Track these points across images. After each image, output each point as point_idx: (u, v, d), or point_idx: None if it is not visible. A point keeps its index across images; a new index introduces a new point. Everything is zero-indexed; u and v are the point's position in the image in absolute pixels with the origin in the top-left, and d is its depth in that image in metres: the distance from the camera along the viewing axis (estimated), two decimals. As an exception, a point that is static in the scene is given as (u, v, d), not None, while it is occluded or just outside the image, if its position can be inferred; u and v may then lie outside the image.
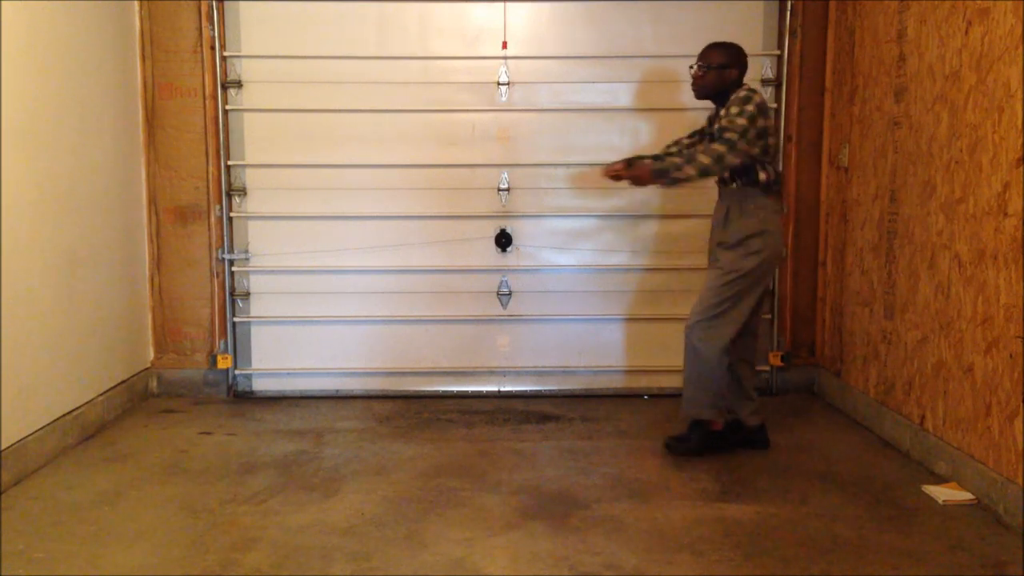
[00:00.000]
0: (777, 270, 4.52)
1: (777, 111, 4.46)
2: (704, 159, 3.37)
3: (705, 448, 3.59)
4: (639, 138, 4.47)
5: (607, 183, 3.69)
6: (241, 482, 3.30)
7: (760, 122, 3.41)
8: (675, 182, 3.47)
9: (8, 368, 3.20)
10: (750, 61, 4.42)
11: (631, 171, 3.52)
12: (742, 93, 3.45)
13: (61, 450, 3.58)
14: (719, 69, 3.53)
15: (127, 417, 4.13)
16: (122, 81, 4.19)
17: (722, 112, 3.47)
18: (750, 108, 3.39)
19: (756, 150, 3.42)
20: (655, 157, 3.59)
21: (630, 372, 4.60)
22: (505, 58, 4.42)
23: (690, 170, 3.38)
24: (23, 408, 3.32)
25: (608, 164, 3.64)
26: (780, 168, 3.52)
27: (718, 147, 3.37)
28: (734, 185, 3.53)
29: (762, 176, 3.48)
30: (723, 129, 3.40)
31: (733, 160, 3.38)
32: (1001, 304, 2.96)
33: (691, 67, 3.61)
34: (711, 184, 4.49)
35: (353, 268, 4.52)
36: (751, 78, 4.45)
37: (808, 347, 4.62)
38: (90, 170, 3.86)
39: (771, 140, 3.51)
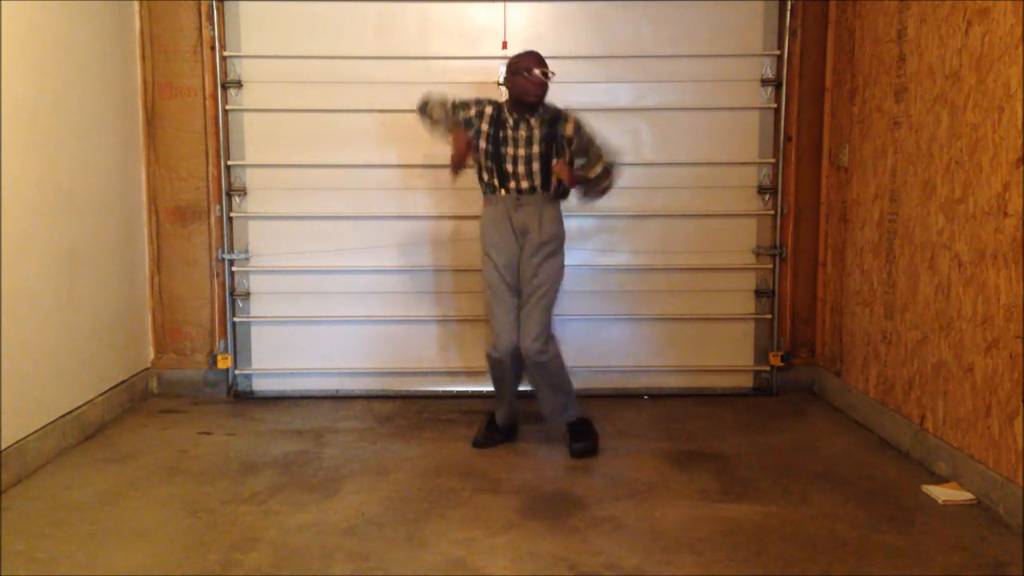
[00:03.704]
0: (777, 270, 4.55)
1: (777, 111, 4.47)
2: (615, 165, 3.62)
3: (590, 439, 3.64)
4: (639, 138, 4.47)
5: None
6: (241, 482, 3.30)
7: None
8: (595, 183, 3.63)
9: (8, 368, 3.20)
10: (751, 61, 4.47)
11: (560, 167, 3.50)
12: (563, 106, 3.61)
13: (61, 450, 3.58)
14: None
15: (127, 417, 4.13)
16: (122, 81, 4.19)
17: (580, 128, 3.54)
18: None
19: None
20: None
21: (630, 372, 4.60)
22: (505, 58, 4.41)
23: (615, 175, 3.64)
24: (23, 408, 3.32)
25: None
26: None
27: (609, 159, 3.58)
28: (546, 193, 3.56)
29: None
30: (601, 147, 3.58)
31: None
32: (1001, 304, 2.96)
33: (543, 73, 3.52)
34: (710, 183, 4.52)
35: (353, 268, 4.52)
36: (751, 78, 4.48)
37: (808, 347, 4.62)
38: (90, 170, 3.86)
39: None
